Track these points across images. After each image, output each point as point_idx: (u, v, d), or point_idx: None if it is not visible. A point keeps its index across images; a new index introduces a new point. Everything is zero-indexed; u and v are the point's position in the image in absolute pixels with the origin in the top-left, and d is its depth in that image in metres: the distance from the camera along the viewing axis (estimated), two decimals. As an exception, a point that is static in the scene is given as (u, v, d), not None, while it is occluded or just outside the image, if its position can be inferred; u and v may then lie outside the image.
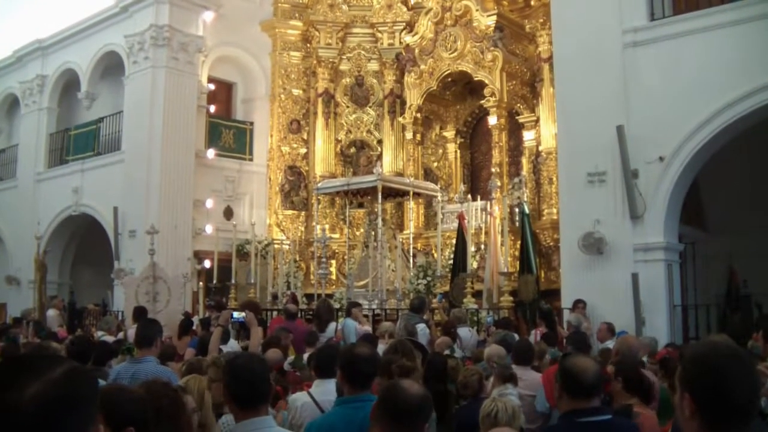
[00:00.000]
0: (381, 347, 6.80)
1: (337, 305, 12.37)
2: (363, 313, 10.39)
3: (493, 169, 15.28)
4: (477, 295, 12.29)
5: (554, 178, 14.04)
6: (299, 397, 4.66)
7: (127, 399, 2.42)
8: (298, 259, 17.01)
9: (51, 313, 14.18)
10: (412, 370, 4.40)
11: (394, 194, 15.59)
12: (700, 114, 10.45)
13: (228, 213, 17.48)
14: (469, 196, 14.63)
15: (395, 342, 5.56)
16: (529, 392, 6.00)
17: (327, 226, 16.72)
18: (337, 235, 17.39)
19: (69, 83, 19.26)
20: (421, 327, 8.59)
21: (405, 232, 16.07)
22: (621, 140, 10.71)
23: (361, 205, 17.38)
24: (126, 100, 17.09)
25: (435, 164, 17.72)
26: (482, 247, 14.30)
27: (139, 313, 9.74)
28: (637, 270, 10.55)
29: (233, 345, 7.89)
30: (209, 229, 16.33)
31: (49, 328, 12.40)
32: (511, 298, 11.42)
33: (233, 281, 13.79)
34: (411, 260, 14.83)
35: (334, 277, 17.14)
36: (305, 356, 7.07)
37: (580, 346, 6.60)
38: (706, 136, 10.45)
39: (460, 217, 13.16)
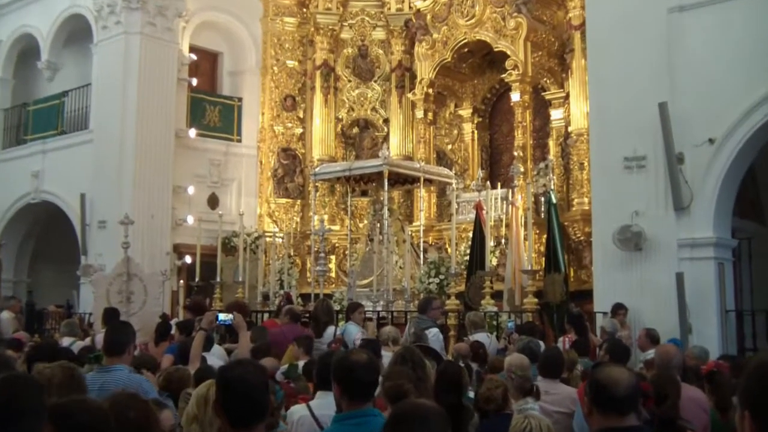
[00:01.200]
0: (386, 355, 6.83)
1: (337, 306, 12.38)
2: (365, 315, 10.40)
3: (515, 153, 15.31)
4: (497, 296, 12.26)
5: (586, 163, 14.02)
6: (297, 410, 4.69)
7: (82, 410, 2.41)
8: (292, 254, 17.06)
9: (5, 315, 14.06)
10: (408, 393, 4.33)
11: (403, 181, 15.64)
12: (756, 89, 10.39)
13: (213, 201, 17.53)
14: (488, 183, 14.59)
15: (402, 350, 5.50)
16: (557, 408, 5.98)
17: (326, 217, 16.75)
18: (337, 227, 17.44)
19: (27, 51, 19.20)
20: (434, 332, 8.56)
21: (415, 224, 16.10)
22: (664, 119, 10.66)
23: (364, 193, 17.39)
24: (94, 72, 17.08)
25: (449, 147, 17.77)
26: (503, 241, 14.36)
27: (110, 315, 9.72)
28: (682, 269, 10.52)
29: (218, 352, 7.90)
30: (191, 219, 16.38)
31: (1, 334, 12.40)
32: (536, 300, 11.38)
33: (218, 279, 13.80)
34: (421, 256, 14.89)
35: (333, 274, 17.24)
36: (300, 364, 7.09)
37: (617, 355, 6.57)
38: (765, 115, 10.38)
39: (478, 207, 13.16)
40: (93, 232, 16.24)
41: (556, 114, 15.86)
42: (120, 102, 16.16)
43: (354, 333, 8.95)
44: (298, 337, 8.19)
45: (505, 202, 14.74)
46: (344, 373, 3.59)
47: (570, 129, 15.17)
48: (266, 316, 12.59)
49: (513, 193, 13.99)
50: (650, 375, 5.51)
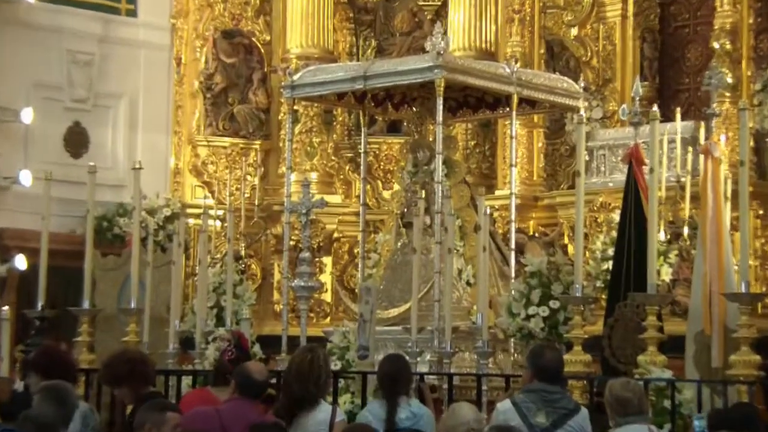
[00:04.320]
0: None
1: (336, 363, 12.65)
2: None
3: (713, 46, 15.67)
4: (674, 346, 12.03)
5: None
6: None
7: None
8: (245, 253, 17.10)
9: None
10: None
11: (475, 103, 15.46)
12: None
13: (76, 141, 17.89)
14: (656, 109, 14.30)
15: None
16: None
17: (314, 177, 16.95)
18: (338, 198, 17.93)
19: None
20: (583, 414, 8.73)
21: (498, 192, 16.45)
22: None
23: (393, 128, 17.66)
24: None
25: (573, 33, 17.97)
26: (686, 231, 14.19)
27: None
28: None
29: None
30: (28, 178, 16.56)
31: None
32: (757, 359, 11.07)
33: (87, 305, 13.71)
34: (512, 259, 14.63)
35: (328, 296, 17.50)
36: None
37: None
38: None
39: (633, 159, 13.02)
40: None
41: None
42: None
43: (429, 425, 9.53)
44: (256, 425, 8.36)
45: (691, 148, 14.70)
46: None
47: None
48: (189, 383, 12.76)
49: (708, 130, 13.71)
50: None
